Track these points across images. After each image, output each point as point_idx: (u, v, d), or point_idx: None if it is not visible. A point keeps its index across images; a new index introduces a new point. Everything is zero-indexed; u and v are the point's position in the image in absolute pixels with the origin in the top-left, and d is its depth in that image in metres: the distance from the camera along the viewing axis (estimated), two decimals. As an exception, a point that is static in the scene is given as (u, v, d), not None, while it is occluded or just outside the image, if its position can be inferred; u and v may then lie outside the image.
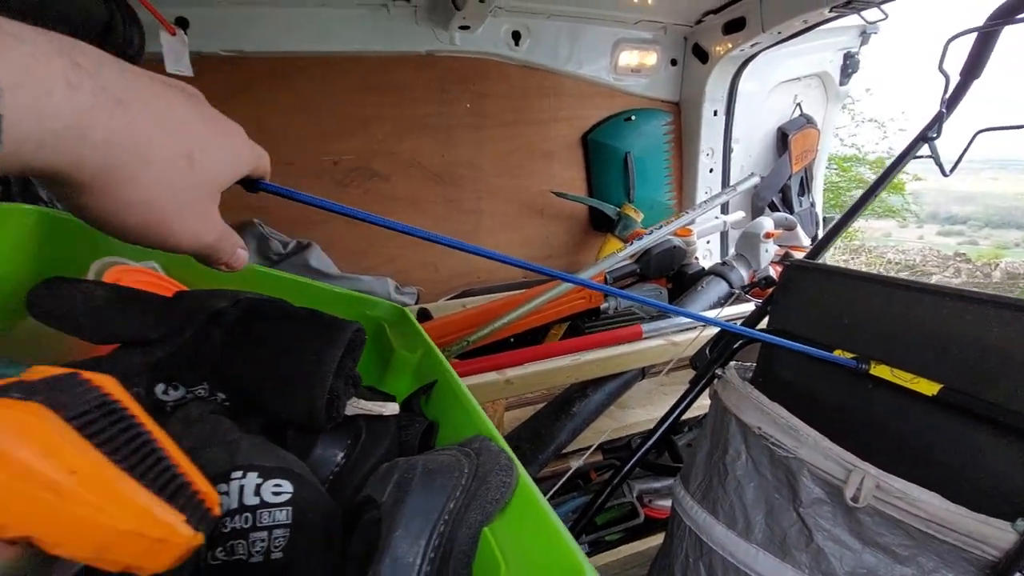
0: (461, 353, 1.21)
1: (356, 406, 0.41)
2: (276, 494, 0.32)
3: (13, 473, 0.13)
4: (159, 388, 0.36)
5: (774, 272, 1.31)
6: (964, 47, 0.99)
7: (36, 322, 0.47)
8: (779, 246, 1.47)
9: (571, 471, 0.97)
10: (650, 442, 0.98)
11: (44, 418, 0.14)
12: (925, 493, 0.59)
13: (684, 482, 0.91)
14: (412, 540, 0.28)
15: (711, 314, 1.23)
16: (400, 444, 0.42)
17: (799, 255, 1.48)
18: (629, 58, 1.64)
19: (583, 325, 1.69)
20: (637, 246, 1.30)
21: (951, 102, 1.00)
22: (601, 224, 1.77)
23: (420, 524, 0.28)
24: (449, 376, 0.50)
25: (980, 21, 0.94)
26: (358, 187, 1.54)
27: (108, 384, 0.17)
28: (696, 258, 1.58)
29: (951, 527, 0.57)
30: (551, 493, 1.03)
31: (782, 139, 2.09)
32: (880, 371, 0.73)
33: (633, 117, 1.69)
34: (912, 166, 1.07)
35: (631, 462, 0.97)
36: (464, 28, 1.38)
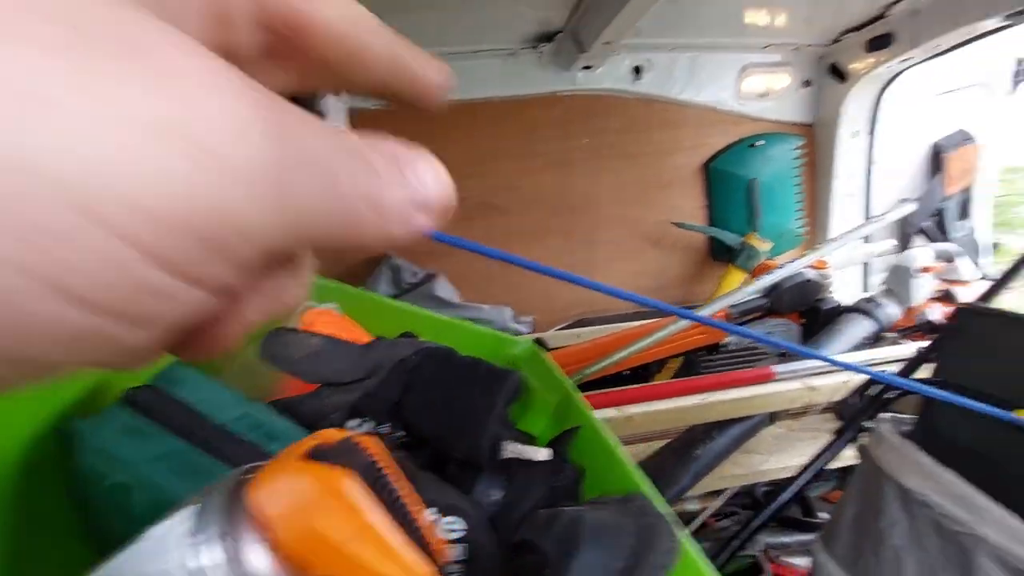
0: (577, 386, 1.22)
1: (512, 450, 0.44)
2: (451, 531, 0.35)
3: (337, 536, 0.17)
4: (352, 423, 0.42)
5: (938, 312, 1.17)
6: None
7: (249, 359, 0.57)
8: (941, 280, 1.30)
9: (700, 518, 0.93)
10: (786, 495, 0.91)
11: (352, 480, 0.18)
12: None
13: (826, 544, 0.83)
14: (584, 595, 0.30)
15: (857, 356, 1.12)
16: (552, 490, 0.44)
17: (961, 290, 1.30)
18: (756, 83, 1.57)
19: (699, 360, 1.62)
20: (768, 280, 1.23)
21: None
22: (722, 254, 1.70)
23: (591, 580, 0.30)
24: (592, 423, 0.52)
25: None
26: (482, 221, 1.63)
27: (372, 447, 0.21)
28: (830, 292, 1.46)
29: None
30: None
31: (935, 158, 1.86)
32: (1087, 441, 0.62)
33: (759, 143, 1.62)
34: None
35: (764, 516, 0.91)
36: (587, 68, 1.42)
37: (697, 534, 1.37)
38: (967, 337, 0.78)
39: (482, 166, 1.59)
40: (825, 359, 0.60)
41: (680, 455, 1.06)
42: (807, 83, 1.61)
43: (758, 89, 1.58)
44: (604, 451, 0.46)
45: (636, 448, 1.26)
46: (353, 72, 0.15)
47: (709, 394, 1.02)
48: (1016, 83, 1.90)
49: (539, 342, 1.49)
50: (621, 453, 0.43)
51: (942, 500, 0.65)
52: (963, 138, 1.90)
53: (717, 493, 1.29)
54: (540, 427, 0.60)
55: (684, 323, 1.22)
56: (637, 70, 1.50)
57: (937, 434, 0.82)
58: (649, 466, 1.06)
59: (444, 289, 1.53)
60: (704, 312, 1.23)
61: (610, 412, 1.01)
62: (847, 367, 0.60)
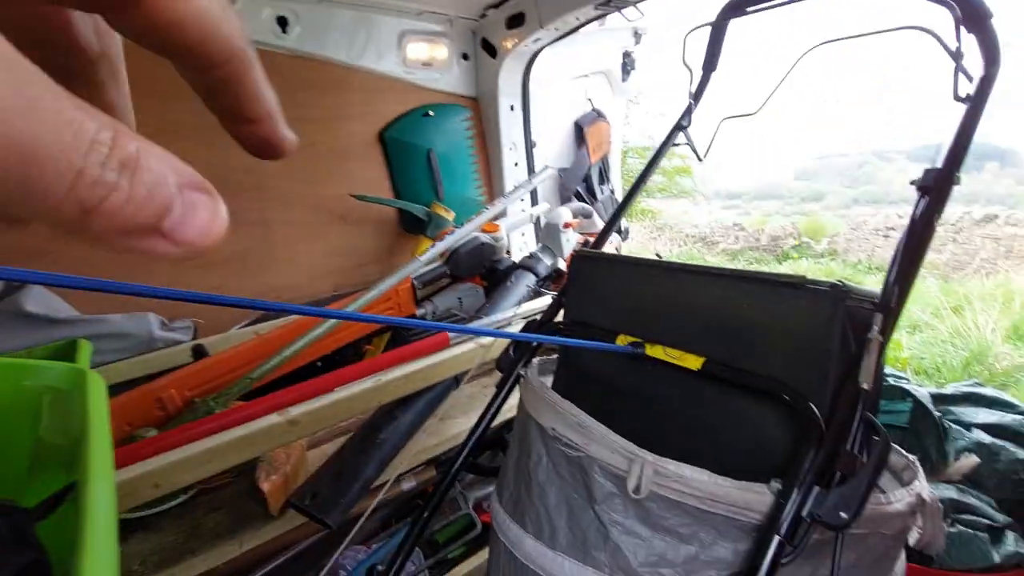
0: (245, 393, 1.03)
1: None
2: None
3: None
4: None
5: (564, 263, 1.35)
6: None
7: None
8: (580, 234, 1.52)
9: (367, 512, 0.86)
10: (460, 458, 0.91)
11: None
12: (696, 471, 0.60)
13: (498, 493, 0.86)
14: None
15: (518, 309, 1.22)
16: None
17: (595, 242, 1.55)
18: (418, 51, 1.56)
19: (407, 335, 1.59)
20: (441, 246, 1.23)
21: (697, 94, 1.09)
22: (412, 226, 1.68)
23: None
24: (98, 474, 0.36)
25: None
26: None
27: None
28: (508, 252, 1.58)
29: (721, 500, 0.59)
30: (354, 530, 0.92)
31: (579, 132, 2.21)
32: (655, 351, 0.75)
33: (432, 112, 1.62)
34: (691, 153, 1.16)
35: (445, 483, 0.90)
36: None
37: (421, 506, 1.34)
38: (581, 280, 0.89)
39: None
40: (457, 329, 0.58)
41: (363, 444, 0.98)
42: (465, 56, 1.67)
43: (422, 57, 1.58)
44: (88, 519, 0.31)
45: (337, 444, 1.14)
46: (182, 59, 0.16)
47: (383, 374, 0.96)
48: (625, 73, 2.39)
49: (199, 349, 1.22)
50: (86, 526, 0.29)
51: (565, 430, 0.71)
52: (596, 116, 2.30)
53: (438, 462, 1.29)
54: (55, 487, 0.41)
55: (366, 303, 1.14)
56: (282, 22, 1.31)
57: (572, 367, 0.92)
58: (329, 466, 0.96)
59: (40, 301, 1.11)
60: (383, 285, 1.16)
61: (271, 419, 0.86)
62: (478, 332, 0.59)
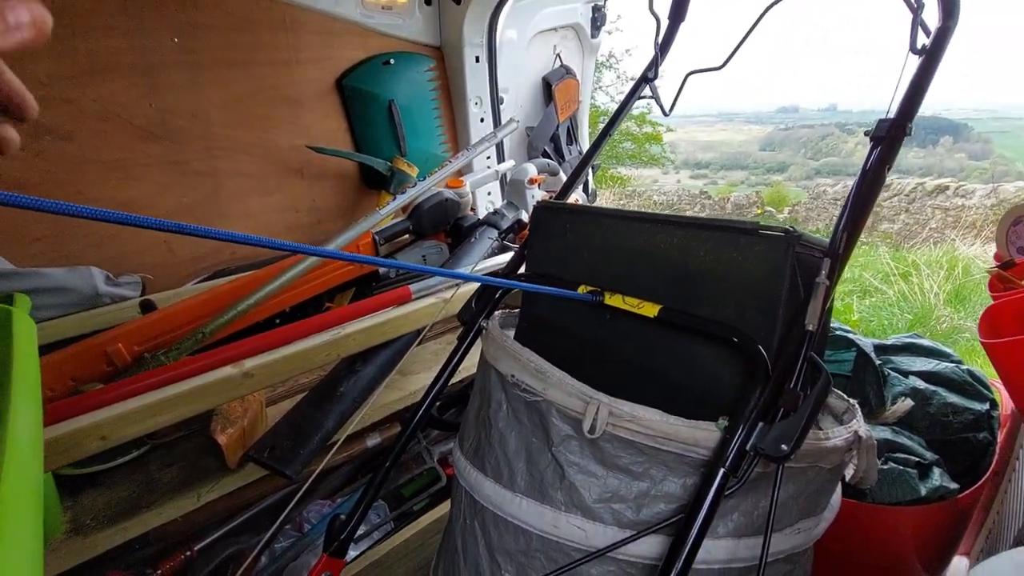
0: (198, 349, 1.00)
1: None
2: None
3: None
4: None
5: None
6: None
7: None
8: (546, 192, 1.51)
9: (324, 461, 0.86)
10: (421, 411, 0.91)
11: None
12: (649, 411, 0.62)
13: (460, 443, 0.87)
14: None
15: (485, 263, 1.21)
16: None
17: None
18: (376, -7, 1.48)
19: (370, 292, 1.57)
20: (402, 199, 1.20)
21: (664, 45, 1.07)
22: (374, 181, 1.63)
23: None
24: (21, 398, 0.34)
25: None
26: (23, 149, 1.14)
27: None
28: (473, 210, 1.56)
29: (672, 437, 0.61)
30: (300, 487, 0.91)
31: (547, 89, 2.16)
32: (614, 300, 0.75)
33: (392, 61, 1.55)
34: (666, 120, 1.15)
35: (404, 435, 0.90)
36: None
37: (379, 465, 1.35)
38: (543, 231, 0.88)
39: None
40: (424, 270, 0.57)
41: (323, 398, 0.97)
42: (427, 1, 1.60)
43: (380, 0, 1.49)
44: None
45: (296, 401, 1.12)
46: None
47: (342, 328, 0.94)
48: (596, 28, 2.33)
49: (147, 304, 1.17)
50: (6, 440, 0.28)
51: (524, 376, 0.71)
52: (565, 73, 2.25)
53: (402, 419, 1.29)
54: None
55: (317, 259, 1.11)
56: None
57: (534, 318, 0.92)
58: (289, 418, 0.94)
59: (-32, 253, 1.04)
60: (341, 239, 1.13)
61: (225, 371, 0.83)
62: (447, 274, 0.58)
